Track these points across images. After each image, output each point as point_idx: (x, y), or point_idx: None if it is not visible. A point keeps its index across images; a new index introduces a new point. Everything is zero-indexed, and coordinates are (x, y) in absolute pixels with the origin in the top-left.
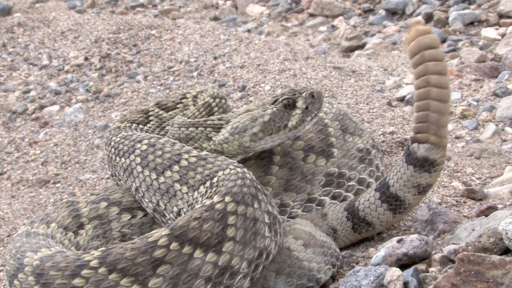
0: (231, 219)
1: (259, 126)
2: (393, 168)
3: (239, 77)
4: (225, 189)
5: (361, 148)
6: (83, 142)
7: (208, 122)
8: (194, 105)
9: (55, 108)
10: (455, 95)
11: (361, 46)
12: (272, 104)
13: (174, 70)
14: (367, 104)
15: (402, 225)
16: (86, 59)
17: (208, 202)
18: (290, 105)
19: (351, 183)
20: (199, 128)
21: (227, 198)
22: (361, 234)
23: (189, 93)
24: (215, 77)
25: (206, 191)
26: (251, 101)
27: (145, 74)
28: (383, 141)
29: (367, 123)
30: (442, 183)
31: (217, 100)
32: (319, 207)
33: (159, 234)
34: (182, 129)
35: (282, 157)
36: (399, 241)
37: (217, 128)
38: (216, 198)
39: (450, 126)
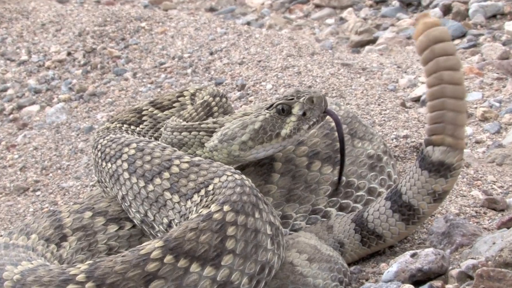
0: (230, 230)
1: (248, 134)
2: (406, 174)
3: (237, 75)
4: (223, 197)
5: (372, 154)
6: (65, 145)
7: (203, 125)
8: (192, 104)
9: (35, 108)
10: (475, 95)
11: (373, 41)
12: (267, 109)
13: (166, 66)
14: (379, 105)
15: (416, 238)
16: (69, 54)
17: (205, 211)
18: (285, 111)
19: (360, 193)
20: (192, 133)
21: (226, 207)
22: (371, 247)
23: (187, 90)
24: (211, 74)
25: (201, 200)
26: (250, 101)
27: (134, 71)
28: (396, 146)
29: (379, 126)
30: (461, 192)
31: (217, 99)
32: (325, 219)
33: (152, 246)
34: (175, 133)
35: (284, 164)
36: (412, 256)
37: (211, 133)
38: (213, 207)
39: (469, 130)
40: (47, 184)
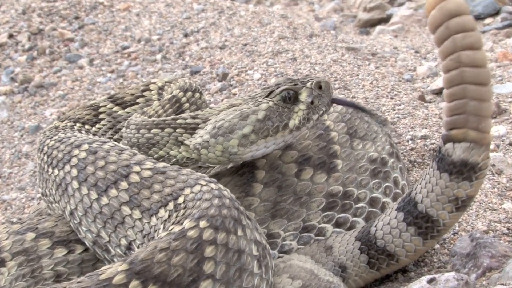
0: (208, 251)
1: (251, 126)
2: (420, 179)
3: (218, 62)
4: (199, 211)
5: (374, 157)
6: (7, 149)
7: (179, 121)
8: (159, 99)
9: None
10: (510, 87)
11: (385, 20)
12: (267, 96)
13: (130, 51)
14: (392, 98)
15: (435, 260)
16: (10, 36)
17: (177, 228)
18: (291, 98)
19: (360, 204)
20: (165, 130)
21: (203, 223)
22: (380, 270)
23: (154, 83)
24: (186, 61)
25: (169, 216)
26: (234, 94)
27: (90, 57)
28: (412, 149)
29: (392, 125)
30: (490, 204)
31: (189, 94)
32: (320, 238)
33: (114, 270)
34: (142, 131)
35: (268, 172)
36: (430, 282)
37: (191, 129)
38: (187, 223)
39: (502, 129)
40: None
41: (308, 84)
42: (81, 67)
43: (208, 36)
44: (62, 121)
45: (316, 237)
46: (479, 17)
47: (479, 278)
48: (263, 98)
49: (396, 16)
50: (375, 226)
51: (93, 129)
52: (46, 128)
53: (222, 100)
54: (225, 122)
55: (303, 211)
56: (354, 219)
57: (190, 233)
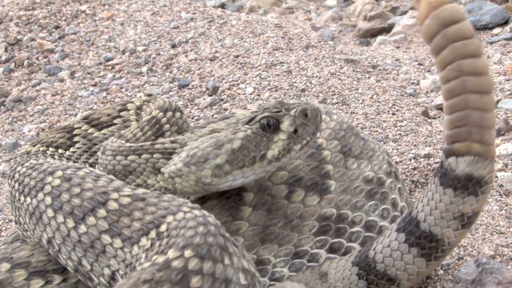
0: (195, 281)
1: (225, 156)
2: (421, 197)
3: (208, 74)
4: (183, 240)
5: (370, 177)
6: None
7: (157, 146)
8: (137, 120)
9: None
10: None
11: (387, 29)
12: (247, 124)
13: (113, 63)
14: (394, 114)
15: (439, 287)
16: None
17: (161, 259)
18: (271, 126)
19: (355, 228)
20: (143, 156)
21: (188, 253)
22: None
23: (131, 102)
24: (174, 73)
25: (151, 245)
26: (225, 110)
27: (71, 69)
28: (414, 168)
29: (393, 142)
30: (497, 227)
31: (169, 114)
32: (313, 264)
33: None
34: (118, 157)
35: (256, 194)
36: None
37: (168, 154)
38: (172, 253)
39: (511, 147)
40: None
41: (292, 112)
42: (61, 80)
43: (198, 47)
44: (34, 146)
45: (309, 263)
46: (487, 27)
47: None
48: (243, 125)
49: (399, 25)
50: (374, 250)
51: (67, 153)
52: (17, 154)
53: (213, 115)
54: (199, 151)
55: (295, 235)
56: (349, 244)
57: (175, 263)
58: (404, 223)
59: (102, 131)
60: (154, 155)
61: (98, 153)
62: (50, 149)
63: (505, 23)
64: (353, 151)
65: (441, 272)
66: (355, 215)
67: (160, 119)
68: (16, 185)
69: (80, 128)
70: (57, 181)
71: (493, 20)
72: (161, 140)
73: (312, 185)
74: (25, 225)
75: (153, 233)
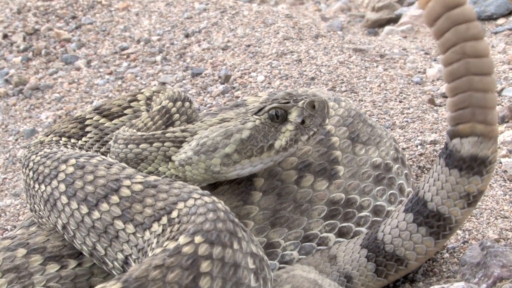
0: (204, 266)
1: (234, 145)
2: (427, 178)
3: (220, 63)
4: (193, 226)
5: (378, 163)
6: (1, 153)
7: (168, 135)
8: (147, 110)
9: None
10: None
11: (394, 20)
12: (256, 114)
13: (128, 52)
14: (401, 102)
15: (444, 269)
16: (5, 36)
17: (171, 245)
18: (279, 117)
19: (363, 213)
20: (154, 144)
21: (198, 238)
22: (388, 277)
23: (141, 93)
24: (187, 62)
25: (163, 230)
26: (237, 97)
27: (88, 58)
28: (421, 154)
29: (400, 129)
30: (501, 212)
31: (179, 103)
32: (322, 247)
33: None
34: (130, 146)
35: (267, 179)
36: None
37: (179, 143)
38: (182, 239)
39: None
40: None
41: (300, 103)
42: (78, 69)
43: (210, 37)
44: (47, 136)
45: (318, 247)
46: (491, 17)
47: None
48: (252, 116)
49: (406, 16)
50: (382, 231)
51: (80, 142)
52: (31, 143)
53: (224, 102)
54: (209, 140)
55: (304, 219)
56: (357, 228)
57: (185, 249)
58: (412, 204)
59: (113, 121)
60: (165, 144)
61: (110, 142)
62: (63, 139)
63: (509, 13)
64: (361, 137)
65: (446, 255)
66: (363, 199)
67: (170, 109)
68: (31, 173)
69: (91, 118)
70: (70, 169)
71: (497, 11)
72: (171, 129)
73: (321, 170)
74: (40, 212)
75: (164, 219)
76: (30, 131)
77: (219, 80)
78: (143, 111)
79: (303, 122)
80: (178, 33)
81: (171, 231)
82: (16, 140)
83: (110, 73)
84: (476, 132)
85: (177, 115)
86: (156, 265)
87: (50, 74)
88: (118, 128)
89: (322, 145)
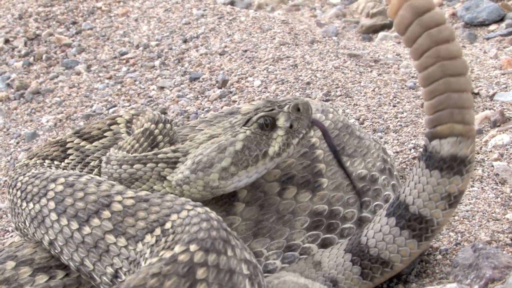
0: (200, 273)
1: (229, 158)
2: (406, 182)
3: (218, 68)
4: (188, 236)
5: (363, 175)
6: (2, 156)
7: (160, 155)
8: (128, 132)
9: None
10: None
11: (388, 26)
12: (244, 125)
13: (128, 57)
14: (394, 106)
15: (437, 271)
16: (6, 41)
17: (168, 254)
18: (268, 125)
19: (347, 224)
20: (148, 165)
21: (193, 247)
22: (374, 280)
23: (120, 116)
24: (185, 67)
25: (156, 241)
26: (234, 102)
27: (88, 63)
28: (414, 158)
29: (394, 133)
30: (493, 214)
31: (161, 125)
32: (305, 256)
33: None
34: (124, 166)
35: (249, 191)
36: None
37: (173, 163)
38: (178, 248)
39: (506, 137)
40: None
41: (285, 108)
42: (78, 73)
43: (208, 42)
44: (31, 159)
45: (301, 256)
46: (483, 24)
47: None
48: (241, 127)
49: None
50: (366, 236)
51: (62, 164)
52: (16, 166)
53: (222, 107)
54: (204, 157)
55: (287, 230)
56: (340, 240)
57: (181, 257)
58: (393, 208)
59: (93, 144)
60: (159, 165)
61: (101, 164)
62: (46, 161)
63: (501, 20)
64: (346, 149)
65: (439, 256)
66: (347, 211)
67: (153, 131)
68: (19, 193)
69: (72, 141)
70: (60, 187)
71: (489, 17)
72: (163, 149)
73: (304, 182)
74: (24, 230)
75: (158, 231)
76: (31, 135)
77: (217, 84)
78: (123, 133)
79: (291, 126)
80: (177, 38)
81: (165, 241)
82: (18, 143)
83: (110, 78)
84: (455, 132)
85: (160, 137)
86: (153, 273)
87: (51, 79)
88: (99, 150)
89: (306, 158)
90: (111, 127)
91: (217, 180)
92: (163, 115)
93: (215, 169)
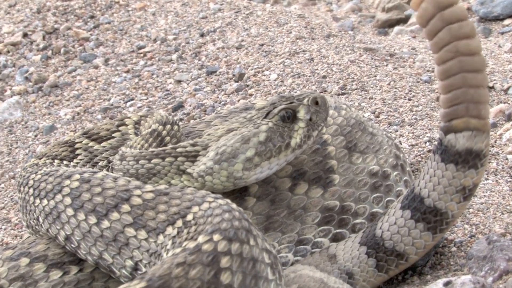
0: (224, 261)
1: (253, 149)
2: (421, 175)
3: (234, 62)
4: (211, 226)
5: (375, 171)
6: (20, 149)
7: (179, 149)
8: (135, 133)
9: None
10: None
11: (404, 20)
12: (265, 117)
13: (145, 51)
14: (410, 99)
15: (452, 263)
16: (25, 35)
17: (191, 244)
18: (290, 117)
19: (359, 220)
20: (166, 159)
21: (216, 237)
22: (389, 272)
23: (129, 118)
24: (202, 61)
25: (178, 232)
26: (251, 95)
27: (105, 56)
28: (429, 151)
29: (409, 126)
30: (508, 207)
31: (168, 127)
32: (317, 250)
33: None
34: (141, 161)
35: (261, 186)
36: (446, 284)
37: (192, 157)
38: (201, 238)
39: None
40: None
41: (305, 101)
42: (96, 67)
43: (225, 36)
44: (40, 158)
45: (313, 250)
46: (498, 18)
47: (495, 281)
48: (262, 120)
49: (415, 16)
50: (381, 228)
51: (71, 164)
52: (25, 165)
53: (239, 100)
54: (228, 148)
55: (298, 224)
56: (352, 235)
57: (205, 246)
58: (408, 201)
59: (101, 144)
60: (179, 159)
61: (114, 161)
62: (56, 161)
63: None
64: (358, 146)
65: (454, 249)
66: (358, 207)
67: (161, 132)
68: (31, 190)
69: (81, 142)
70: (75, 183)
71: (504, 12)
72: (181, 144)
73: (315, 178)
74: (36, 227)
75: (179, 222)
76: (49, 128)
77: (233, 78)
78: (131, 134)
79: (310, 119)
80: (194, 32)
81: (188, 232)
82: (36, 136)
83: (127, 71)
84: (470, 127)
85: (168, 138)
86: (178, 263)
87: (68, 72)
88: (107, 150)
89: (318, 155)
90: (119, 128)
91: (241, 170)
92: (170, 117)
93: (240, 159)
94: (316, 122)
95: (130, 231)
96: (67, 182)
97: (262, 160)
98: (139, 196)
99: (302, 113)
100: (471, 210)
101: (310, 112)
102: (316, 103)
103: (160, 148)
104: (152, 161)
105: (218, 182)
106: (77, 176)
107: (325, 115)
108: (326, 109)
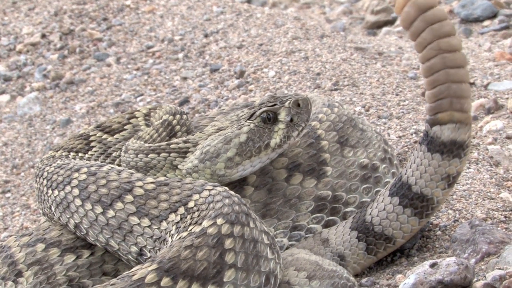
0: (228, 243)
1: (234, 149)
2: (408, 164)
3: (236, 60)
4: (214, 211)
5: (365, 164)
6: (39, 141)
7: (172, 146)
8: (146, 125)
9: (5, 98)
10: (507, 84)
11: (391, 22)
12: (249, 119)
13: (154, 50)
14: (397, 95)
15: (437, 245)
16: (43, 36)
17: (197, 228)
18: (270, 119)
19: (349, 208)
20: (161, 154)
21: (219, 220)
22: (378, 254)
23: (139, 111)
24: (206, 59)
25: (182, 218)
26: (251, 91)
27: (117, 55)
28: (415, 142)
29: (396, 119)
30: (488, 194)
31: (178, 116)
32: (311, 235)
33: (145, 270)
34: (140, 156)
35: (259, 176)
36: (432, 266)
37: (183, 153)
38: (206, 223)
39: (499, 123)
40: (18, 185)
41: (286, 104)
42: (108, 65)
43: (227, 37)
44: (57, 151)
45: (306, 235)
46: (478, 19)
47: (478, 263)
48: (245, 121)
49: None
50: (370, 214)
51: (86, 156)
52: (43, 157)
53: (239, 95)
54: (211, 148)
55: (292, 212)
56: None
57: (210, 230)
58: (396, 188)
59: (114, 136)
60: (171, 154)
61: (120, 152)
62: (71, 153)
63: (494, 16)
64: (350, 141)
65: (439, 232)
66: (349, 196)
67: (171, 122)
68: (45, 181)
69: (95, 135)
70: (83, 176)
71: (483, 14)
72: (175, 140)
73: (310, 170)
74: (50, 215)
75: (181, 210)
76: (66, 121)
77: (235, 75)
78: (142, 126)
79: (291, 120)
80: (198, 33)
81: (191, 218)
82: (53, 128)
83: (138, 69)
84: (454, 119)
85: (178, 127)
86: (186, 246)
87: (83, 70)
88: (120, 142)
89: (312, 148)
90: (130, 121)
91: (223, 169)
92: (179, 108)
93: (221, 159)
94: (297, 123)
95: (134, 219)
96: (76, 174)
97: (243, 159)
98: (141, 187)
99: (283, 115)
100: (454, 196)
101: (291, 114)
102: (298, 105)
103: (157, 144)
104: (149, 156)
105: (204, 179)
106: (85, 169)
107: (306, 116)
108: (307, 110)
